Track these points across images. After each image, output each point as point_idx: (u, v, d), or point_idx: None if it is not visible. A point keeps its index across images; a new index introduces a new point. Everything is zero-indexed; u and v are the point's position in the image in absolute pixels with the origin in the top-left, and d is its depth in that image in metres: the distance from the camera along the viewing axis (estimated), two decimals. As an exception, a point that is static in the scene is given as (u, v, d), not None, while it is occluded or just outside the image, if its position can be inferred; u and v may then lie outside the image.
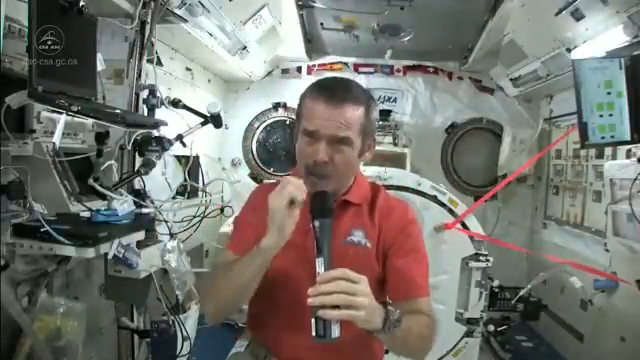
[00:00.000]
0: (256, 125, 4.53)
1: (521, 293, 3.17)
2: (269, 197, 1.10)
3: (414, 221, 1.34)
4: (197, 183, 2.30)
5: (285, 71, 4.50)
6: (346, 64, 4.49)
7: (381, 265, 1.29)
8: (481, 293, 2.77)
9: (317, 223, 1.08)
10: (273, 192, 1.11)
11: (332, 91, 1.21)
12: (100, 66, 1.89)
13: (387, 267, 1.28)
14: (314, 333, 0.97)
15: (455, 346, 2.79)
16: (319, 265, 1.03)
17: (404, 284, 1.26)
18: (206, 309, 1.33)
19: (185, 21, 2.53)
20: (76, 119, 1.50)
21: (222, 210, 2.37)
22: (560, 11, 2.66)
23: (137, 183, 1.99)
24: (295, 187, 1.10)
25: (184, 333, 2.02)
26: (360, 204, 1.31)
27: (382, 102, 4.45)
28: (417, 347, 1.20)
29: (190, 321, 2.16)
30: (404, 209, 1.35)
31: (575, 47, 2.85)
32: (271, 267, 1.26)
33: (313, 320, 0.97)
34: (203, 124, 2.11)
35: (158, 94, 2.14)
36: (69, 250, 1.46)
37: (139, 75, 2.17)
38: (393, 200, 1.39)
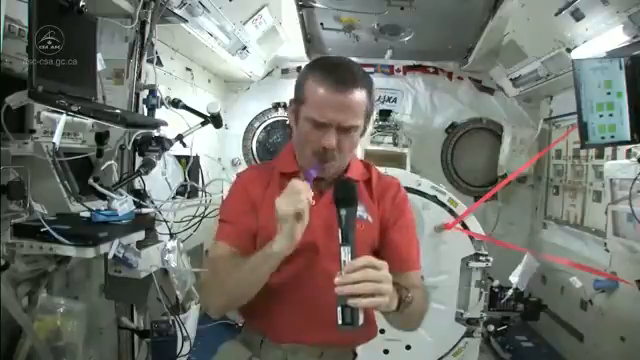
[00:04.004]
0: (256, 125, 4.53)
1: (511, 290, 3.15)
2: (277, 202, 1.07)
3: (406, 198, 1.40)
4: (197, 183, 2.30)
5: (285, 71, 4.48)
6: (346, 64, 4.48)
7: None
8: (481, 293, 2.77)
9: (343, 212, 1.06)
10: (282, 196, 1.07)
11: (338, 77, 1.16)
12: (100, 66, 1.89)
13: (383, 241, 1.31)
14: (340, 322, 0.96)
15: (455, 346, 2.79)
16: (345, 254, 1.01)
17: (400, 258, 1.28)
18: (210, 304, 1.29)
19: (185, 21, 2.53)
20: (76, 119, 1.50)
21: (222, 210, 2.37)
22: (560, 11, 2.66)
23: (137, 183, 1.99)
24: (306, 197, 1.06)
25: (184, 333, 2.02)
26: (359, 180, 1.32)
27: (382, 102, 4.44)
28: (415, 321, 1.26)
29: (190, 321, 2.17)
30: (397, 185, 1.40)
31: (575, 47, 2.85)
32: None
33: (339, 308, 0.95)
34: (203, 124, 2.11)
35: (158, 94, 2.15)
36: (69, 250, 1.46)
37: (139, 75, 2.17)
38: (384, 177, 1.43)
